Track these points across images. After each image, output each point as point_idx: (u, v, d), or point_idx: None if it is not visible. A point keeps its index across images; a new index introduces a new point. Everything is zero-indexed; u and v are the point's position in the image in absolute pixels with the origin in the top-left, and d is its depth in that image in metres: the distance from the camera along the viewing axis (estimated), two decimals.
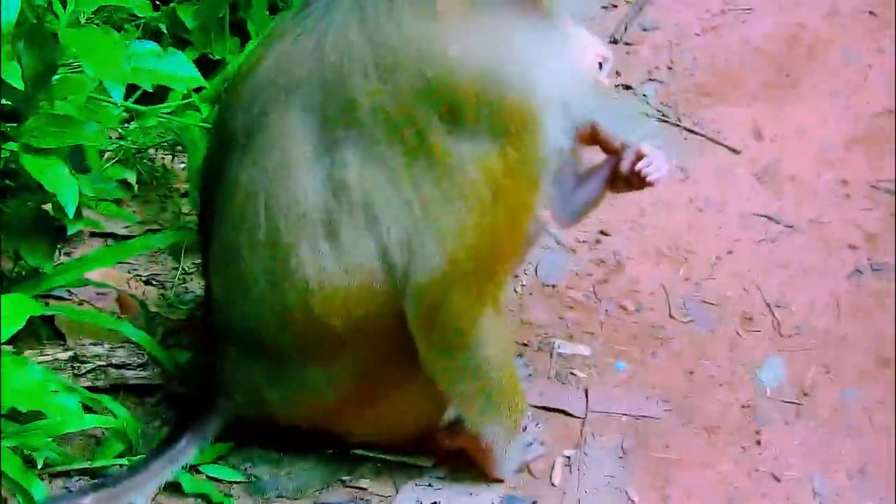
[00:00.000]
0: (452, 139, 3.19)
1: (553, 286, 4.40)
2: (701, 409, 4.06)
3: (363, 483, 3.79)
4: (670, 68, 5.23)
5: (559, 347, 4.19)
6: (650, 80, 5.16)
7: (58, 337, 3.97)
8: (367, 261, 3.31)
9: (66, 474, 3.72)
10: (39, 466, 3.61)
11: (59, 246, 3.91)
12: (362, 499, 3.75)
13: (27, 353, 3.89)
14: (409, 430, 3.75)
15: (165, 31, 4.59)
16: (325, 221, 3.30)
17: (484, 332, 3.37)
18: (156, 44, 3.77)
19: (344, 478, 3.79)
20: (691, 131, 4.96)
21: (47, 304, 3.96)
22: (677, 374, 4.16)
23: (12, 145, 3.53)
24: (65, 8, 3.60)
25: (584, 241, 4.55)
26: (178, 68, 3.73)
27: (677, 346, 4.24)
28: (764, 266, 4.50)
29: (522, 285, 4.38)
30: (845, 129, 4.98)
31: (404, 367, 3.47)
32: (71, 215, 3.55)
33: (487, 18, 3.20)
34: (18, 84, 3.49)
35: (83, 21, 3.59)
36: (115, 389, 3.92)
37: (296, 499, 3.74)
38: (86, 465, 3.72)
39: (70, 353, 3.92)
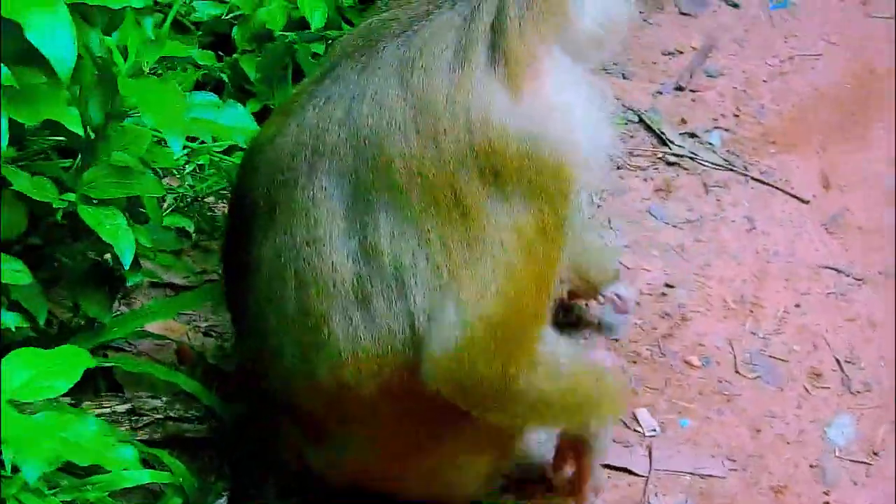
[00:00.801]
0: (490, 202, 3.12)
1: (616, 340, 4.32)
2: (767, 469, 3.97)
3: None
4: (737, 115, 5.14)
5: None
6: (716, 127, 5.07)
7: (116, 389, 3.91)
8: (399, 329, 3.21)
9: None
10: None
11: (117, 297, 3.86)
12: None
13: (85, 404, 3.85)
14: (469, 487, 3.67)
15: (228, 82, 4.56)
16: (356, 290, 3.21)
17: (528, 379, 3.29)
18: (214, 95, 3.74)
19: None
20: (758, 180, 4.86)
21: (105, 355, 3.91)
22: (743, 431, 4.07)
23: (70, 196, 3.50)
24: (125, 58, 3.58)
25: (648, 294, 4.46)
26: (237, 120, 3.69)
27: (743, 402, 4.15)
28: (833, 320, 4.40)
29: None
30: None
31: (447, 423, 3.39)
32: (127, 267, 3.50)
33: (532, 80, 3.15)
34: (79, 130, 3.46)
35: (146, 70, 3.55)
36: (173, 443, 3.85)
37: None
38: None
39: (128, 406, 3.86)
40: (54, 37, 3.08)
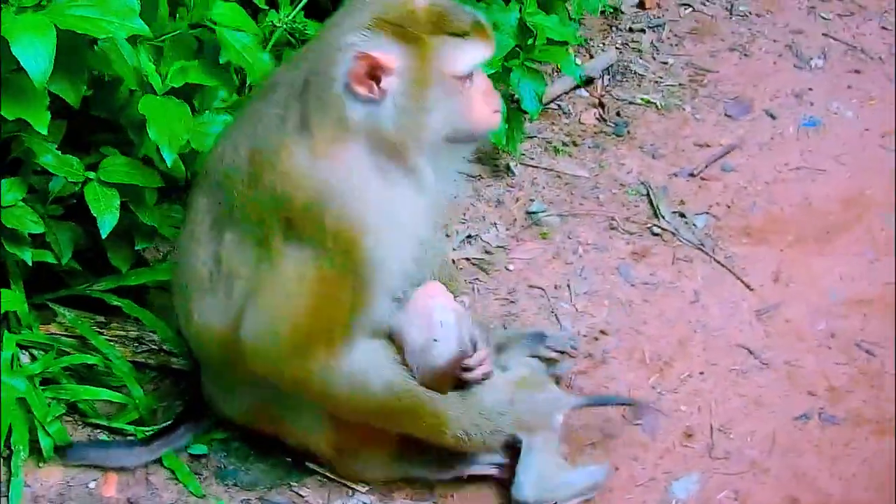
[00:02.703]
0: (284, 243, 3.00)
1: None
2: (610, 502, 3.53)
3: (304, 491, 3.50)
4: (729, 207, 4.58)
5: None
6: (706, 213, 4.54)
7: (137, 319, 3.83)
8: (229, 315, 3.15)
9: (93, 426, 3.59)
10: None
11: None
12: (298, 502, 3.46)
13: (113, 324, 3.79)
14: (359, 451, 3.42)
15: None
16: (208, 280, 3.18)
17: (322, 381, 3.12)
18: (228, 116, 3.57)
19: (291, 483, 3.50)
20: (719, 262, 4.33)
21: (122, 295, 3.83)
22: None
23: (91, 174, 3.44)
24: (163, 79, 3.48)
25: (584, 336, 4.04)
26: None
27: (615, 443, 3.71)
28: (725, 392, 3.88)
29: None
30: (857, 288, 4.23)
31: None
32: (104, 235, 3.49)
33: (345, 159, 2.96)
34: (43, 130, 3.27)
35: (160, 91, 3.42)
36: (162, 369, 3.76)
37: (248, 490, 3.48)
38: (105, 422, 3.57)
39: (136, 334, 3.78)
40: (35, 55, 2.97)
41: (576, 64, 4.64)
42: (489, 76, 4.18)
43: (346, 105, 2.90)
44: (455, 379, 3.24)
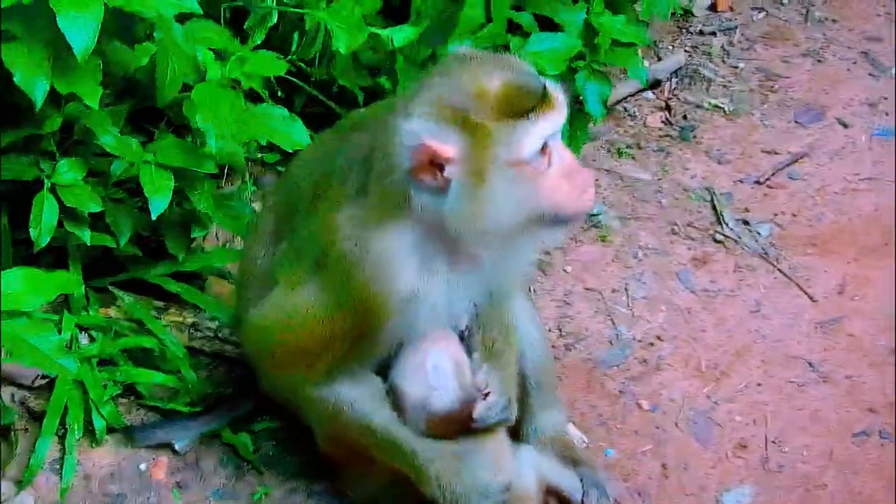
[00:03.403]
0: (309, 278, 2.99)
1: (595, 368, 3.90)
2: None
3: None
4: (794, 216, 4.52)
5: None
6: (771, 221, 4.48)
7: (194, 305, 3.87)
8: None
9: (147, 408, 3.63)
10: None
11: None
12: (342, 496, 3.47)
13: (171, 310, 3.84)
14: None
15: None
16: (259, 280, 3.20)
17: (306, 397, 3.14)
18: (285, 109, 3.60)
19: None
20: (782, 272, 4.27)
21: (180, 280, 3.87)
22: (655, 473, 3.60)
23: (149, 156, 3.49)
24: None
25: (639, 341, 4.01)
26: (294, 132, 3.56)
27: (667, 450, 3.66)
28: (781, 405, 3.82)
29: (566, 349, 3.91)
30: None
31: None
32: (154, 217, 3.51)
33: (392, 235, 2.89)
34: (94, 105, 3.33)
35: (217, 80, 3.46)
36: (217, 356, 3.79)
37: (295, 479, 3.50)
38: (160, 404, 3.62)
39: (193, 321, 3.82)
40: (79, 29, 3.01)
41: (643, 66, 4.57)
42: (553, 76, 4.24)
43: (409, 191, 2.80)
44: (463, 426, 3.12)
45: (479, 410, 3.10)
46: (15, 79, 3.06)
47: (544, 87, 2.77)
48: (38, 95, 3.10)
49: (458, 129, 2.70)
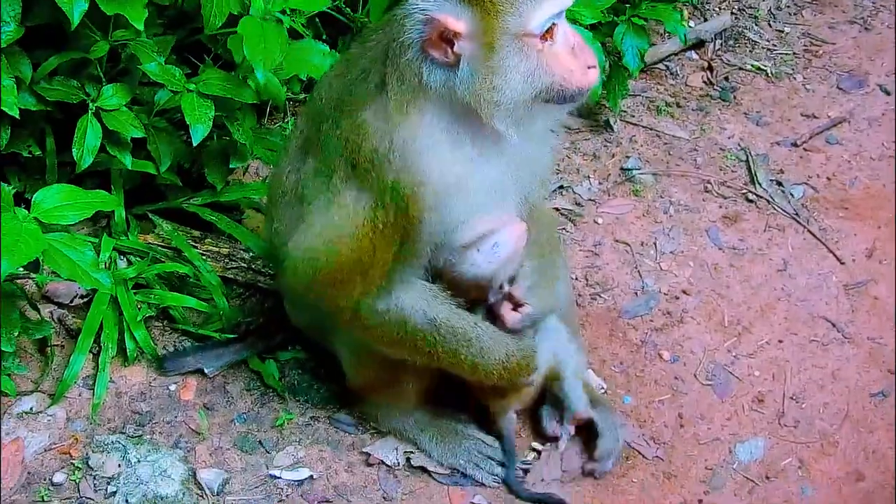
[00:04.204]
0: (345, 183, 3.04)
1: (619, 318, 3.96)
2: (671, 458, 3.56)
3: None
4: (829, 179, 4.52)
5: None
6: (805, 183, 4.49)
7: (230, 237, 3.96)
8: (293, 224, 3.23)
9: (180, 332, 3.74)
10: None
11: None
12: (362, 425, 3.56)
13: (207, 240, 3.94)
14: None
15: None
16: (288, 195, 3.25)
17: (353, 315, 3.14)
18: (326, 46, 3.66)
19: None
20: (812, 234, 4.28)
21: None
22: (671, 422, 3.66)
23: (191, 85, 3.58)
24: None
25: (665, 294, 4.05)
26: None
27: (684, 400, 3.72)
28: (802, 362, 3.85)
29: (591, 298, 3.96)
30: None
31: None
32: (195, 143, 3.57)
33: (416, 120, 2.95)
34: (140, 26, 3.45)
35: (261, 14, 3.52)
36: (249, 286, 3.89)
37: (318, 407, 3.60)
38: (192, 328, 3.72)
39: (227, 251, 3.92)
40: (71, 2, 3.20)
41: (687, 25, 4.58)
42: (589, 27, 4.28)
43: (422, 69, 2.89)
44: (472, 294, 3.20)
45: (511, 319, 3.19)
46: None
47: None
48: (76, 14, 3.19)
49: (467, 3, 2.82)
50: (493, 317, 3.24)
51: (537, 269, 3.26)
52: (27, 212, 3.02)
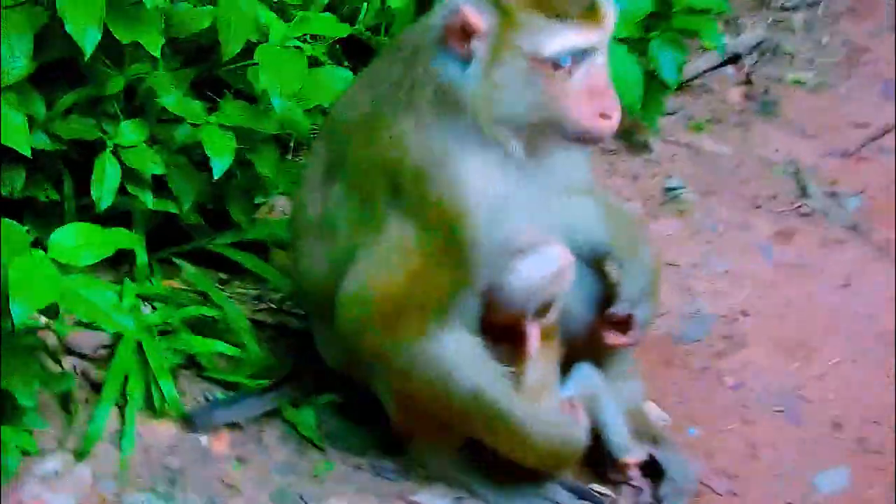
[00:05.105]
0: (389, 208, 2.87)
1: (675, 344, 3.72)
2: (748, 494, 3.29)
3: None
4: (886, 188, 4.30)
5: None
6: (860, 194, 4.26)
7: (258, 278, 3.75)
8: (325, 263, 3.07)
9: (209, 380, 3.51)
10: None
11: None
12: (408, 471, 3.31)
13: (234, 283, 3.74)
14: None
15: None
16: (314, 225, 3.09)
17: (405, 359, 2.93)
18: (349, 72, 3.49)
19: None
20: (872, 245, 4.05)
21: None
22: (743, 453, 3.41)
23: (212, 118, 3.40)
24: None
25: (723, 316, 3.82)
26: None
27: (754, 429, 3.48)
28: (878, 383, 3.60)
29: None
30: None
31: None
32: (216, 176, 3.37)
33: (444, 127, 2.80)
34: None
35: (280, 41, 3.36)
36: (279, 327, 3.67)
37: (360, 455, 3.35)
38: (222, 376, 3.49)
39: (257, 293, 3.71)
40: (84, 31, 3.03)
41: (720, 34, 4.40)
42: (621, 41, 4.08)
43: (441, 62, 2.76)
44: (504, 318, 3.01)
45: (626, 339, 3.05)
46: (66, 27, 2.99)
47: (593, 1, 2.71)
48: (88, 44, 3.02)
49: (492, 5, 2.69)
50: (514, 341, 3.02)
51: (636, 267, 3.08)
52: (44, 253, 2.81)
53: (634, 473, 3.24)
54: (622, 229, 3.16)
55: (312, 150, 3.18)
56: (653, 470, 3.26)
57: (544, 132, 2.81)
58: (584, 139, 2.82)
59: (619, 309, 3.07)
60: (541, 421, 3.00)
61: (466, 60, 2.74)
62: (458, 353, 2.91)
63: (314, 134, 4.05)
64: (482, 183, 2.78)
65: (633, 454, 3.21)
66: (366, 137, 2.87)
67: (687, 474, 3.26)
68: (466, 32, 2.72)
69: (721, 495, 3.28)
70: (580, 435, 3.06)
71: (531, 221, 2.90)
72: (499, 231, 2.85)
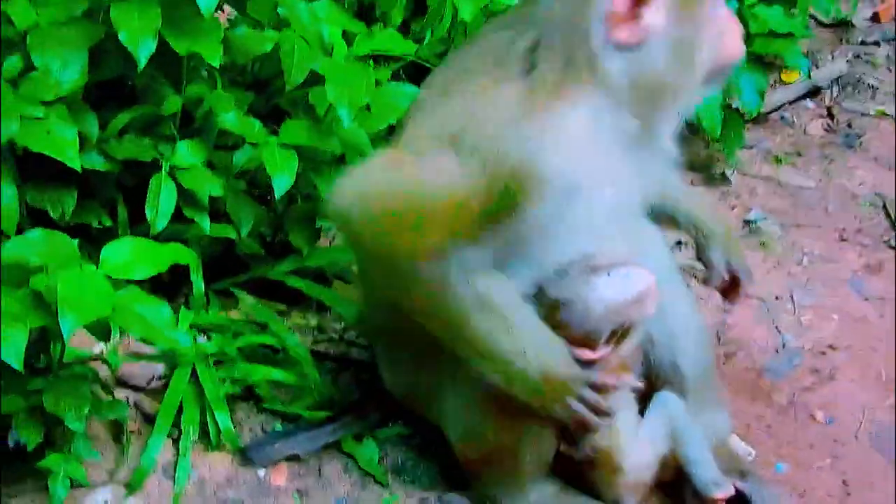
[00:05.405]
0: (440, 151, 2.65)
1: (760, 377, 3.50)
2: None
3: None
4: None
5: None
6: None
7: (319, 308, 3.63)
8: None
9: (268, 412, 3.37)
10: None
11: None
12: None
13: (293, 313, 3.62)
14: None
15: None
16: None
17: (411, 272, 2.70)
18: (415, 87, 3.37)
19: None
20: None
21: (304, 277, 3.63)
22: (835, 491, 3.17)
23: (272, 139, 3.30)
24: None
25: (809, 350, 3.60)
26: None
27: (847, 465, 3.24)
28: None
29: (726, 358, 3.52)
30: None
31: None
32: (278, 197, 3.27)
33: (566, 107, 2.59)
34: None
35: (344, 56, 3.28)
36: (340, 359, 3.53)
37: (426, 489, 3.18)
38: (281, 407, 3.35)
39: (316, 322, 3.59)
40: (138, 41, 2.96)
41: (803, 57, 4.24)
42: None
43: (600, 51, 2.55)
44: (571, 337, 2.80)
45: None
46: (120, 37, 2.92)
47: None
48: (143, 54, 2.94)
49: None
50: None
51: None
52: (94, 267, 2.71)
53: None
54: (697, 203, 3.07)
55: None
56: None
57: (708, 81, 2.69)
58: (730, 71, 2.80)
59: (715, 276, 2.97)
60: (546, 345, 2.77)
61: (636, 44, 2.55)
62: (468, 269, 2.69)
63: None
64: (573, 166, 2.60)
65: (722, 489, 2.98)
66: (438, 103, 2.72)
67: None
68: (633, 11, 2.53)
69: None
70: (581, 378, 2.78)
71: (611, 218, 2.72)
72: (573, 216, 2.66)
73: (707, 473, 2.99)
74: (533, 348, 2.73)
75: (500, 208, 2.60)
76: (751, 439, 3.29)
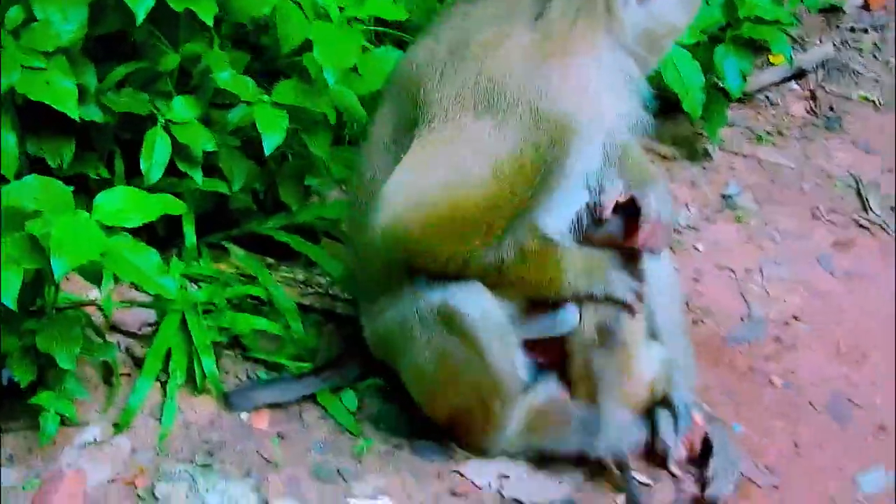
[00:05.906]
0: (476, 119, 2.81)
1: (725, 344, 3.67)
2: (790, 487, 3.23)
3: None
4: None
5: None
6: None
7: (307, 263, 3.80)
8: None
9: (252, 360, 3.55)
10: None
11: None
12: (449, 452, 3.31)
13: (282, 267, 3.78)
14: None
15: None
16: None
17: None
18: (399, 50, 3.53)
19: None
20: None
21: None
22: (787, 451, 3.34)
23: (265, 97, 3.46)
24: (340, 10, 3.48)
25: (773, 320, 3.77)
26: None
27: (800, 428, 3.42)
28: None
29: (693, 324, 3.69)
30: None
31: None
32: (268, 152, 3.41)
33: (582, 59, 2.79)
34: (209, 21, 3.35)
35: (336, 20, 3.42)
36: (325, 313, 3.70)
37: (400, 436, 3.36)
38: (265, 356, 3.53)
39: (303, 277, 3.76)
40: None
41: (788, 45, 4.38)
42: (688, 47, 4.10)
43: (615, 5, 2.79)
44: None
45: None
46: None
47: None
48: (141, 10, 3.10)
49: None
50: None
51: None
52: (87, 214, 2.88)
53: (683, 452, 3.18)
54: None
55: (372, 121, 3.18)
56: (700, 458, 3.22)
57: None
58: None
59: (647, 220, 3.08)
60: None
61: None
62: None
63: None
64: (594, 105, 2.81)
65: (700, 420, 3.22)
66: (450, 65, 2.85)
67: (735, 457, 3.21)
68: None
69: (763, 488, 3.22)
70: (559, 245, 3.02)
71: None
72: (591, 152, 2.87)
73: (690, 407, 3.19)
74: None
75: (548, 159, 2.79)
76: (710, 401, 3.47)
